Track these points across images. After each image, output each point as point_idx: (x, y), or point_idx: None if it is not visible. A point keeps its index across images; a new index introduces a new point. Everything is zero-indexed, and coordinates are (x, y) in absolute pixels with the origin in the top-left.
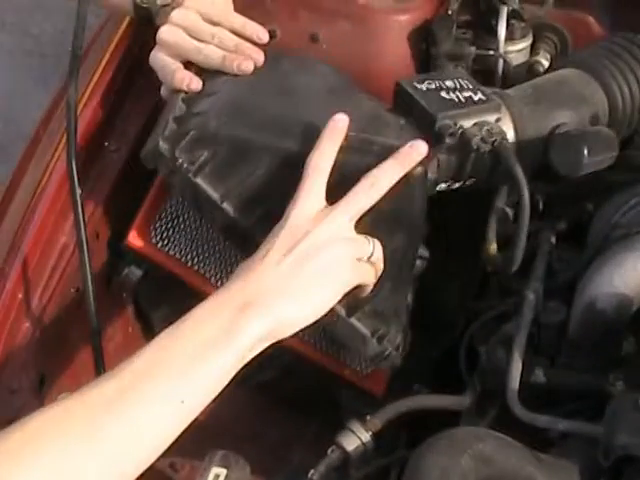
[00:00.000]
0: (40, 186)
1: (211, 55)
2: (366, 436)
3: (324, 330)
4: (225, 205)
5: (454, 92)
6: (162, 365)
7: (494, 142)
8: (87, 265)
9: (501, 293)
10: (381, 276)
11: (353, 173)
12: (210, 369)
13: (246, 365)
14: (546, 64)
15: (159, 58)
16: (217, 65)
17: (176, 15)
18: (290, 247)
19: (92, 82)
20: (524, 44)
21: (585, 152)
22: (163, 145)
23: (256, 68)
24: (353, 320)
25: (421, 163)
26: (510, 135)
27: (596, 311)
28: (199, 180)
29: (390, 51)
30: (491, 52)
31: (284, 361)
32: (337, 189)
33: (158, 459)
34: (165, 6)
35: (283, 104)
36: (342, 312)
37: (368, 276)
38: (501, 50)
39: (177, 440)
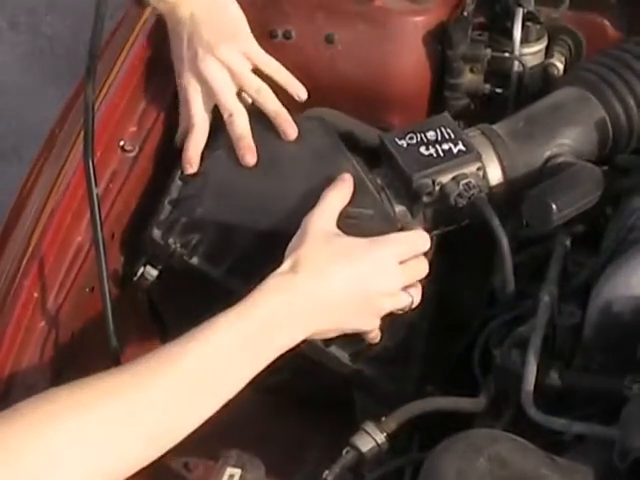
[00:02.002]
0: (56, 185)
1: (234, 126)
2: (381, 437)
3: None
4: (224, 279)
5: (434, 145)
6: None
7: (471, 196)
8: (103, 265)
9: (516, 296)
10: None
11: None
12: None
13: None
14: (561, 66)
15: (190, 93)
16: (232, 138)
17: (225, 53)
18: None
19: (108, 82)
20: (539, 46)
21: (554, 208)
22: (157, 232)
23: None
24: (356, 365)
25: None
26: (497, 175)
27: (611, 314)
28: (194, 260)
29: (406, 53)
30: (506, 54)
31: (298, 362)
32: None
33: (172, 459)
34: None
35: (266, 181)
36: (345, 359)
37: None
38: (516, 52)
39: (191, 440)
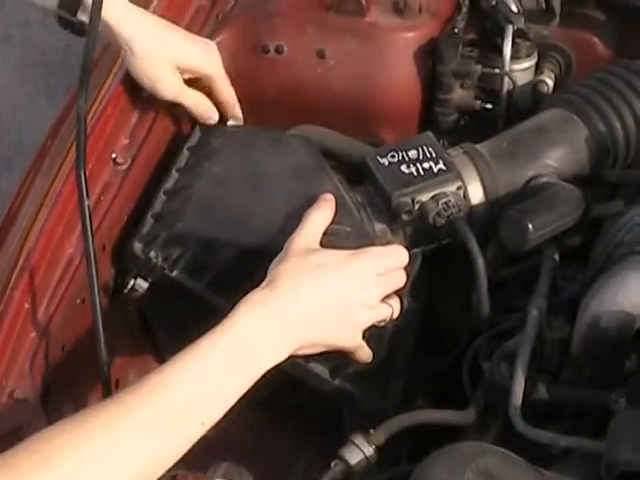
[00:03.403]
0: (48, 197)
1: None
2: (369, 450)
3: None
4: (205, 293)
5: (415, 164)
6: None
7: (450, 216)
8: (94, 277)
9: (504, 310)
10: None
11: None
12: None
13: None
14: (551, 83)
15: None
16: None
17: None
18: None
19: (100, 94)
20: (529, 63)
21: (530, 228)
22: (138, 246)
23: (231, 153)
24: (337, 382)
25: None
26: (478, 195)
27: (599, 329)
28: (175, 274)
29: (396, 68)
30: (496, 70)
31: (287, 375)
32: None
33: None
34: None
35: (248, 198)
36: (326, 374)
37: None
38: (506, 68)
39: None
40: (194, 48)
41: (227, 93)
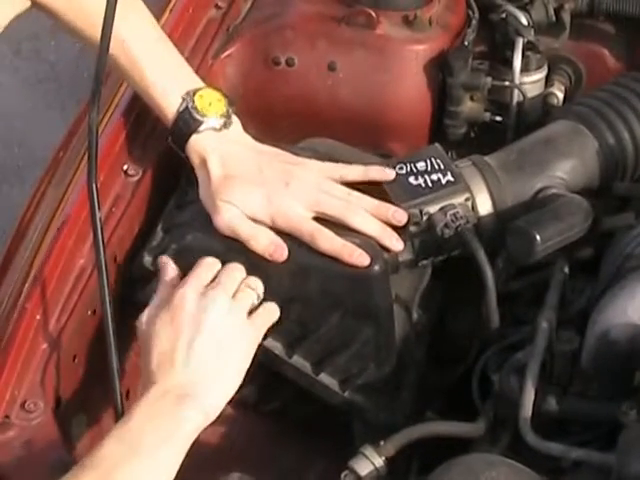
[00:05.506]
0: (59, 208)
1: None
2: (379, 461)
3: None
4: None
5: (423, 176)
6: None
7: (458, 227)
8: (105, 288)
9: (514, 322)
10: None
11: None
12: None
13: (259, 392)
14: (561, 96)
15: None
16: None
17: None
18: (190, 339)
19: (112, 106)
20: (539, 75)
21: (538, 239)
22: (147, 259)
23: None
24: (347, 394)
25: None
26: (487, 206)
27: (609, 341)
28: None
29: (407, 81)
30: (506, 83)
31: (296, 387)
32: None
33: None
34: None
35: None
36: (336, 386)
37: (262, 327)
38: (516, 81)
39: (191, 465)
40: None
41: None
